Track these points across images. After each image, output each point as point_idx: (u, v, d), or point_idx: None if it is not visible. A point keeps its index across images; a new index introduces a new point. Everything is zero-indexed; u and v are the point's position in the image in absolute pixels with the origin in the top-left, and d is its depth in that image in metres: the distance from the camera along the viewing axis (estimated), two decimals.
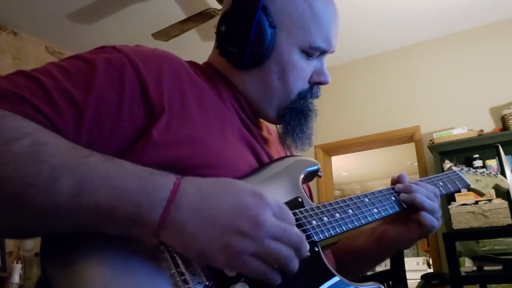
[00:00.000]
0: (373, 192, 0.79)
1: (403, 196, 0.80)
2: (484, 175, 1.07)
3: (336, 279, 0.62)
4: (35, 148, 0.47)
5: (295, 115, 0.78)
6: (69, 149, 0.49)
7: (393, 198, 0.80)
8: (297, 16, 0.75)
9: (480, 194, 1.03)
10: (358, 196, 0.76)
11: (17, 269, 3.05)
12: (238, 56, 0.74)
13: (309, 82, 0.79)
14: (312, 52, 0.76)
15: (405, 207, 0.79)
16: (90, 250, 0.49)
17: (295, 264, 0.53)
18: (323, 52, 0.78)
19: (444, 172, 0.97)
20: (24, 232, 0.51)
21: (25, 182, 0.45)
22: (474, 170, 1.05)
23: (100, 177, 0.48)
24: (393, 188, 0.82)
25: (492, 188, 1.08)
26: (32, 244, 3.22)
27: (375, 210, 0.75)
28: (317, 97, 0.81)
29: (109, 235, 0.49)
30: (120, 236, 0.49)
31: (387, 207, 0.77)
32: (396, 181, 0.84)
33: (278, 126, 0.83)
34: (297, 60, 0.76)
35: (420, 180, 0.86)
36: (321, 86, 0.82)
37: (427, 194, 0.80)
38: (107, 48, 0.64)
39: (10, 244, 3.20)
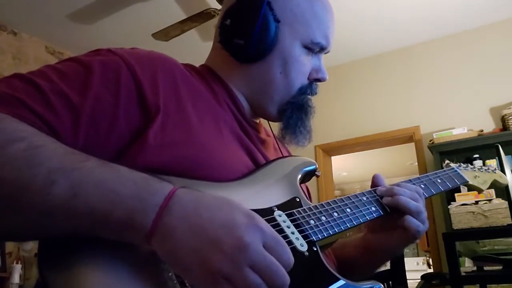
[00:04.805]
0: (370, 191, 0.79)
1: (386, 199, 0.76)
2: (482, 171, 1.06)
3: (341, 282, 0.61)
4: (31, 152, 0.47)
5: (296, 110, 0.80)
6: (66, 153, 0.49)
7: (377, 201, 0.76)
8: (299, 13, 0.78)
9: (479, 190, 1.02)
10: (356, 195, 0.76)
11: (17, 269, 3.05)
12: (243, 48, 0.75)
13: (308, 79, 0.81)
14: (313, 47, 0.79)
15: (389, 211, 0.76)
16: (87, 253, 0.49)
17: None
18: (321, 49, 0.81)
19: (442, 169, 0.96)
20: (20, 236, 0.51)
21: (20, 185, 0.45)
22: (472, 166, 1.05)
23: (96, 182, 0.47)
24: (375, 191, 0.78)
25: (491, 183, 1.07)
26: (32, 245, 3.22)
27: (373, 209, 0.75)
28: (315, 93, 0.83)
29: (106, 239, 0.49)
30: (115, 240, 0.49)
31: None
32: (374, 183, 0.81)
33: (278, 123, 0.83)
34: (299, 54, 0.78)
35: (410, 181, 0.83)
36: (320, 84, 0.84)
37: (411, 195, 0.75)
38: (102, 51, 0.65)
39: (10, 244, 3.20)
